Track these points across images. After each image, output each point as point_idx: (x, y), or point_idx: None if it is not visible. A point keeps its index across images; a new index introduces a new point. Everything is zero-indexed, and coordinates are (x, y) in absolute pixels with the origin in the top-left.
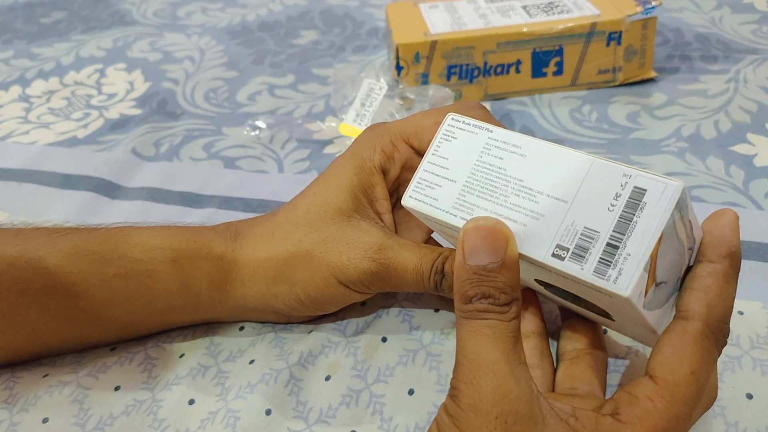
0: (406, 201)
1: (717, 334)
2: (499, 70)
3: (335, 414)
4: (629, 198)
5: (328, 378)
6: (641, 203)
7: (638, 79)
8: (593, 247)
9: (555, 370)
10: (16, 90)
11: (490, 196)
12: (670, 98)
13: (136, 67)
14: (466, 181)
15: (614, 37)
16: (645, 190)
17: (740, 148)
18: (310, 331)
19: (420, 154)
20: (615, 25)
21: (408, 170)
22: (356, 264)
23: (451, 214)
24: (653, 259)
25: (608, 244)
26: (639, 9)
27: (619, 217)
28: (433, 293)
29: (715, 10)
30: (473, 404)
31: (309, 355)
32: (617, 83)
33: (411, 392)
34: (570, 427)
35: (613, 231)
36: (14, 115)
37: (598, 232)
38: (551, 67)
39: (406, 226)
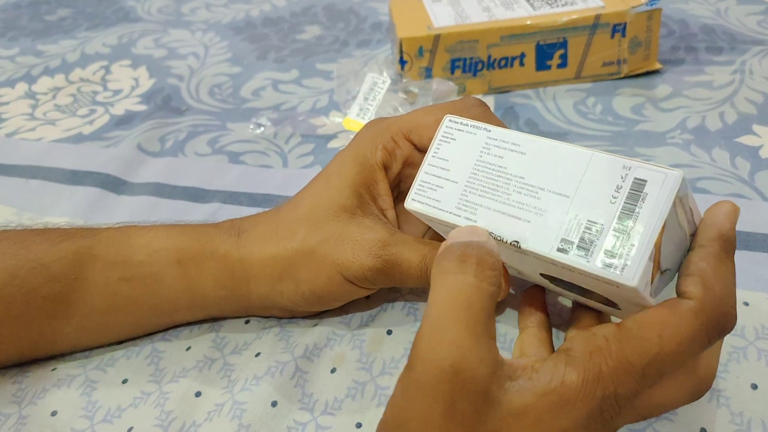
0: (409, 204)
1: (717, 316)
2: (503, 63)
3: (341, 406)
4: (630, 189)
5: (333, 370)
6: (642, 194)
7: (643, 71)
8: (597, 239)
9: None
10: (22, 87)
11: (493, 194)
12: (675, 90)
13: (141, 64)
14: (468, 181)
15: (619, 29)
16: (645, 181)
17: (746, 140)
18: (315, 325)
19: (421, 150)
20: (619, 16)
21: (409, 166)
22: (361, 261)
23: (454, 214)
24: (657, 248)
25: (612, 236)
26: (644, 0)
27: (622, 209)
28: None
29: (721, 1)
30: (422, 381)
31: (314, 347)
32: (622, 75)
33: None
34: (530, 387)
35: (617, 222)
36: (21, 112)
37: (602, 225)
38: (555, 60)
39: (407, 219)
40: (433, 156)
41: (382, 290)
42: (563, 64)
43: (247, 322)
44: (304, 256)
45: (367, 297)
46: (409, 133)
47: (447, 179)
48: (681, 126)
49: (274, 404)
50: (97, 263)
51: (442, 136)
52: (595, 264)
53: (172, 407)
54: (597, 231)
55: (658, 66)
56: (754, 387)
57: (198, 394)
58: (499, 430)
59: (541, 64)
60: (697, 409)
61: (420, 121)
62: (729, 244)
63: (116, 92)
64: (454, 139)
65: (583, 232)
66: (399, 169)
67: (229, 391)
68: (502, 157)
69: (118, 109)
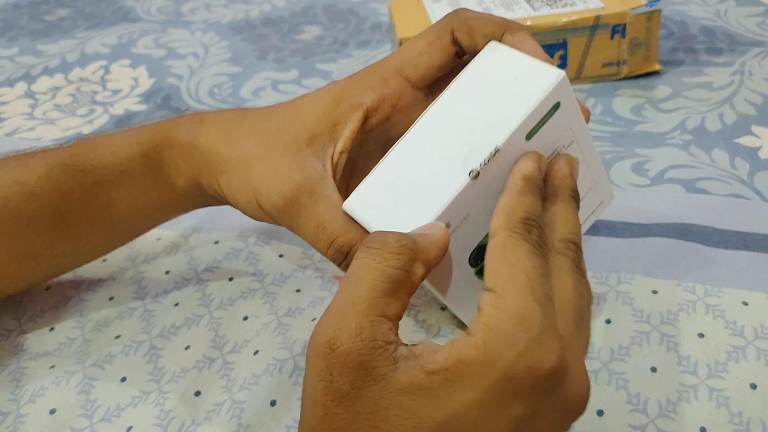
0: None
1: (522, 233)
2: None
3: None
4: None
5: None
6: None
7: (643, 72)
8: None
9: None
10: (21, 87)
11: None
12: (674, 91)
13: (141, 64)
14: None
15: (618, 30)
16: None
17: (745, 141)
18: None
19: (416, 86)
20: (619, 18)
21: (399, 112)
22: (271, 193)
23: None
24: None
25: None
26: (643, 2)
27: None
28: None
29: (720, 3)
30: (308, 362)
31: None
32: (621, 76)
33: None
34: (423, 365)
35: None
36: (20, 112)
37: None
38: (555, 61)
39: (364, 166)
40: None
41: None
42: (563, 65)
43: (245, 318)
44: (240, 165)
45: None
46: (402, 70)
47: None
48: (680, 127)
49: (273, 403)
50: (69, 173)
51: None
52: None
53: (171, 407)
54: None
55: (657, 67)
56: (753, 387)
57: (197, 394)
58: (381, 406)
59: None
60: (697, 408)
61: (413, 50)
62: (531, 180)
63: (116, 92)
64: None
65: None
66: (387, 113)
67: (228, 390)
68: None
69: (118, 109)
